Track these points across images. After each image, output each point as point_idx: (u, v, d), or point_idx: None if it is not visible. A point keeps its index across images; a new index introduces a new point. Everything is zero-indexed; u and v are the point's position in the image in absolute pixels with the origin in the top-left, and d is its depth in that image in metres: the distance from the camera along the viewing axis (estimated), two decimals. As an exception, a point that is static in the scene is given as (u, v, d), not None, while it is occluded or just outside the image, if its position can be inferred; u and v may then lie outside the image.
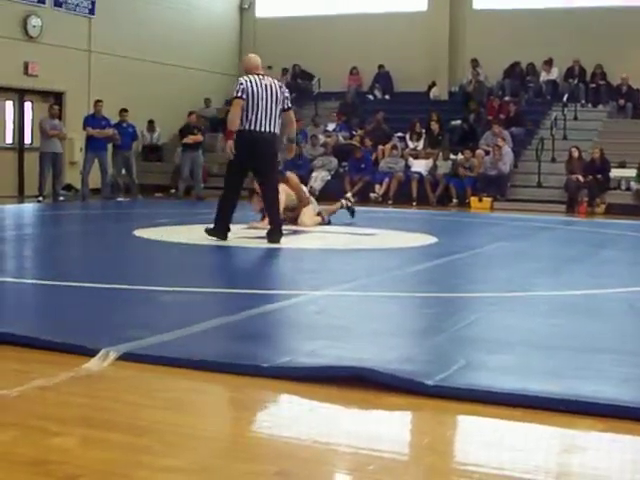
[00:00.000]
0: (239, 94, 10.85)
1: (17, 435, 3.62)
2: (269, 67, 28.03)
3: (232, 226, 11.23)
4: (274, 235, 10.89)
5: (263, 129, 10.78)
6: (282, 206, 12.47)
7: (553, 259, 10.55)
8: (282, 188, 13.53)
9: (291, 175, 14.26)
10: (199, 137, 21.78)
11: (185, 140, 21.61)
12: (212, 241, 11.23)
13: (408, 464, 3.53)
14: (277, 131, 11.01)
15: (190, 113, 22.28)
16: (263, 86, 10.87)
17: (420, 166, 22.18)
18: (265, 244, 10.99)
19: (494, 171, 21.17)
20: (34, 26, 21.56)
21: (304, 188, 14.34)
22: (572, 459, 3.61)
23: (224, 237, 11.05)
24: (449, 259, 10.04)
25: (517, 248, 11.73)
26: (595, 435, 3.84)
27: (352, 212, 14.99)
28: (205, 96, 26.70)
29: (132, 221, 13.49)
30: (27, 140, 22.08)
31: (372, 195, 21.89)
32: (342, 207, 14.85)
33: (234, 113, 10.85)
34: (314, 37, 27.38)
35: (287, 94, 11.13)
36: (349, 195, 15.46)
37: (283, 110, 11.01)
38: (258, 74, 11.08)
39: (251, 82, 10.89)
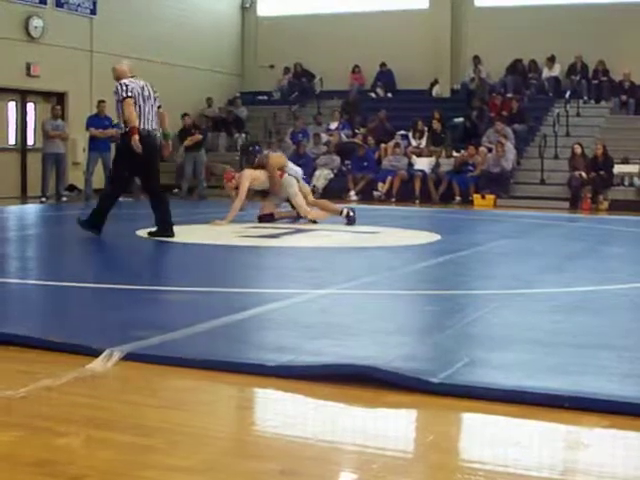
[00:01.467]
0: (128, 94, 11.09)
1: (22, 435, 3.62)
2: (271, 66, 28.15)
3: (235, 226, 11.23)
4: (165, 231, 11.22)
5: (150, 126, 11.23)
6: (243, 194, 13.20)
7: (556, 256, 10.54)
8: (249, 173, 13.60)
9: (273, 156, 14.20)
10: (197, 137, 21.81)
11: (185, 143, 21.66)
12: (215, 240, 11.24)
13: (412, 462, 3.53)
14: (156, 128, 11.44)
15: (183, 115, 22.30)
16: (141, 87, 11.24)
17: (423, 164, 22.18)
18: (268, 243, 11.01)
19: (497, 168, 21.17)
20: (36, 27, 21.57)
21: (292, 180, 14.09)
22: (576, 456, 3.61)
23: (98, 232, 11.31)
24: (452, 257, 10.04)
25: (520, 245, 11.73)
26: (599, 431, 3.85)
27: (351, 222, 13.95)
28: (207, 95, 26.70)
29: (135, 221, 13.49)
30: (30, 141, 22.09)
31: (375, 193, 21.90)
32: (342, 214, 13.96)
33: (130, 111, 11.05)
34: (316, 36, 27.37)
35: (157, 94, 11.53)
36: (352, 207, 14.77)
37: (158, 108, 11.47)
38: (132, 76, 11.38)
39: (132, 84, 11.19)
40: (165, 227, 11.24)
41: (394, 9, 27.18)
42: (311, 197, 14.18)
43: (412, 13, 27.00)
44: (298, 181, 14.01)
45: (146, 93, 11.21)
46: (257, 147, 15.65)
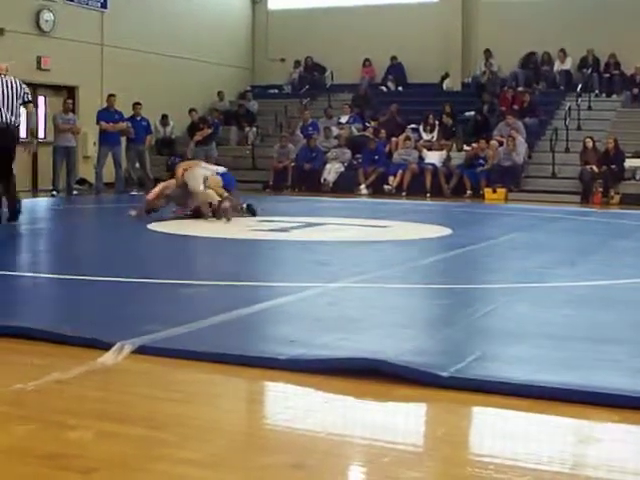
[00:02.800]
0: None
1: (34, 429, 3.63)
2: (282, 59, 28.12)
3: (244, 219, 11.23)
4: (12, 216, 11.88)
5: (7, 119, 11.71)
6: (151, 195, 13.45)
7: (567, 250, 10.52)
8: (165, 182, 13.67)
9: (182, 163, 14.18)
10: (206, 131, 21.78)
11: (195, 138, 21.65)
12: (226, 234, 11.25)
13: (423, 455, 3.53)
14: (18, 122, 12.05)
15: (190, 110, 22.24)
16: (4, 83, 11.82)
17: (434, 157, 22.13)
18: (278, 237, 11.02)
19: (508, 162, 21.12)
20: (46, 20, 21.57)
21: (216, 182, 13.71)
22: (587, 450, 3.61)
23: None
24: (463, 250, 10.03)
25: (531, 239, 11.71)
26: (610, 426, 3.84)
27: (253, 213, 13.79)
28: (218, 89, 26.69)
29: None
30: (40, 134, 22.09)
31: (386, 187, 21.86)
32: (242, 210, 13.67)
33: None
34: (326, 29, 27.33)
35: (27, 90, 12.16)
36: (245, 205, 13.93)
37: (24, 103, 12.07)
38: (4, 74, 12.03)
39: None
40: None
41: (405, 2, 27.12)
42: (221, 190, 13.73)
43: (423, 6, 26.94)
44: (207, 178, 13.65)
45: (8, 89, 11.80)
46: (175, 158, 15.83)
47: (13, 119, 11.86)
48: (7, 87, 11.84)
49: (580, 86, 23.87)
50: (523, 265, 8.85)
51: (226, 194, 13.36)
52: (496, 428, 3.88)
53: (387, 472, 3.24)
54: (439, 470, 3.35)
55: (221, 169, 14.35)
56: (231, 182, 14.24)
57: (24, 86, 12.15)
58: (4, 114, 11.72)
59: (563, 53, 25.04)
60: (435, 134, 23.11)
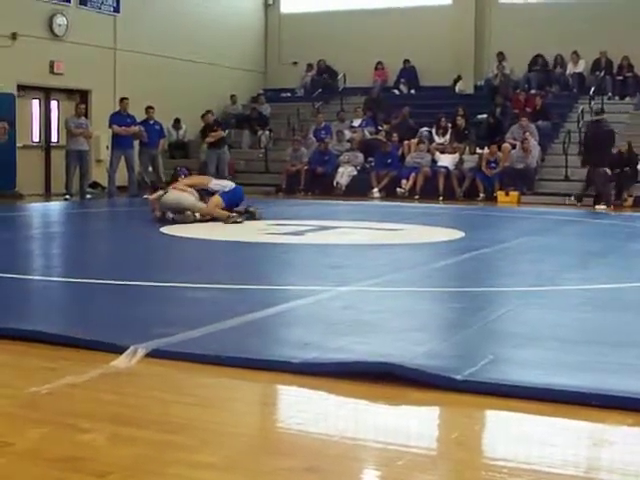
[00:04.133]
0: None
1: (47, 432, 3.64)
2: (294, 63, 28.15)
3: (255, 222, 11.28)
4: None
5: None
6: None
7: (581, 253, 10.50)
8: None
9: (185, 182, 14.22)
10: (220, 133, 21.70)
11: (207, 140, 21.59)
12: (239, 238, 11.26)
13: (437, 459, 3.52)
14: None
15: (205, 113, 22.27)
16: None
17: (447, 161, 22.10)
18: (292, 240, 11.03)
19: (521, 165, 21.09)
20: (59, 25, 21.63)
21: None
22: (601, 453, 3.60)
23: None
24: (476, 254, 10.01)
25: (544, 242, 11.69)
26: (624, 429, 3.83)
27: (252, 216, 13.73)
28: (231, 92, 26.72)
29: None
30: (54, 138, 22.17)
31: (399, 190, 21.83)
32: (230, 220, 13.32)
33: None
34: (339, 32, 27.33)
35: None
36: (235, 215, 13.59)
37: None
38: None
39: None
40: None
41: (417, 5, 27.11)
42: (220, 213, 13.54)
43: (435, 9, 26.92)
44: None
45: None
46: (183, 169, 15.85)
47: None
48: None
49: (593, 89, 23.82)
50: (536, 268, 8.83)
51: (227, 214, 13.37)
52: (510, 431, 3.87)
53: (401, 476, 3.24)
54: (453, 474, 3.34)
55: (230, 185, 14.23)
56: (240, 197, 14.13)
57: None
58: None
59: (576, 55, 24.99)
60: (448, 137, 23.08)
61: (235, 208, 13.61)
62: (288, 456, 3.45)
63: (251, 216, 13.65)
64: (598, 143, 19.74)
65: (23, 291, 7.25)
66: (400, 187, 21.93)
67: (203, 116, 21.88)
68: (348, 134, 23.92)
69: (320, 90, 27.12)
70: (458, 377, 4.32)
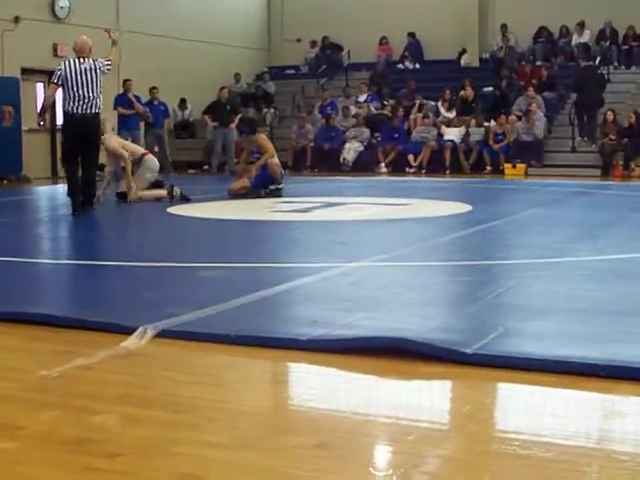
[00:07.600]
0: (55, 80, 11.87)
1: (58, 414, 3.64)
2: (298, 40, 28.04)
3: (262, 201, 11.28)
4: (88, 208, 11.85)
5: (81, 111, 11.61)
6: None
7: (589, 224, 10.47)
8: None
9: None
10: (236, 118, 21.29)
11: (232, 126, 21.18)
12: (246, 216, 11.26)
13: (448, 433, 3.52)
14: (96, 111, 11.80)
15: (221, 89, 22.16)
16: (80, 71, 11.71)
17: (453, 134, 22.05)
18: (299, 217, 11.02)
19: (528, 137, 21.02)
20: (62, 7, 21.57)
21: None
22: (612, 424, 3.59)
23: (80, 209, 11.72)
24: (484, 227, 9.99)
25: (552, 214, 11.66)
26: (635, 400, 3.82)
27: (185, 199, 13.57)
28: (235, 71, 26.64)
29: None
30: (59, 121, 22.12)
31: (408, 170, 21.74)
32: (171, 196, 13.63)
33: (47, 95, 12.75)
34: (342, 8, 27.22)
35: (103, 63, 12.05)
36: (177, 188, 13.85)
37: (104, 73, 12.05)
38: (80, 57, 11.95)
39: (69, 68, 11.75)
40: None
41: (421, -22, 27.00)
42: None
43: (439, -18, 26.80)
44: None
45: (84, 77, 11.69)
46: None
47: (89, 110, 11.63)
48: (83, 75, 11.64)
49: (599, 59, 23.71)
50: (544, 240, 8.81)
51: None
52: (521, 404, 3.87)
53: (412, 450, 3.23)
54: (464, 447, 3.34)
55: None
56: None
57: (100, 63, 11.95)
58: (77, 105, 11.56)
59: (581, 26, 24.85)
60: (454, 111, 22.99)
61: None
62: (298, 433, 3.45)
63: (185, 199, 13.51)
64: (590, 85, 19.96)
65: (32, 274, 7.26)
66: (409, 166, 21.83)
67: (221, 90, 21.87)
68: (354, 110, 23.86)
69: (324, 66, 27.03)
70: (468, 350, 4.31)
